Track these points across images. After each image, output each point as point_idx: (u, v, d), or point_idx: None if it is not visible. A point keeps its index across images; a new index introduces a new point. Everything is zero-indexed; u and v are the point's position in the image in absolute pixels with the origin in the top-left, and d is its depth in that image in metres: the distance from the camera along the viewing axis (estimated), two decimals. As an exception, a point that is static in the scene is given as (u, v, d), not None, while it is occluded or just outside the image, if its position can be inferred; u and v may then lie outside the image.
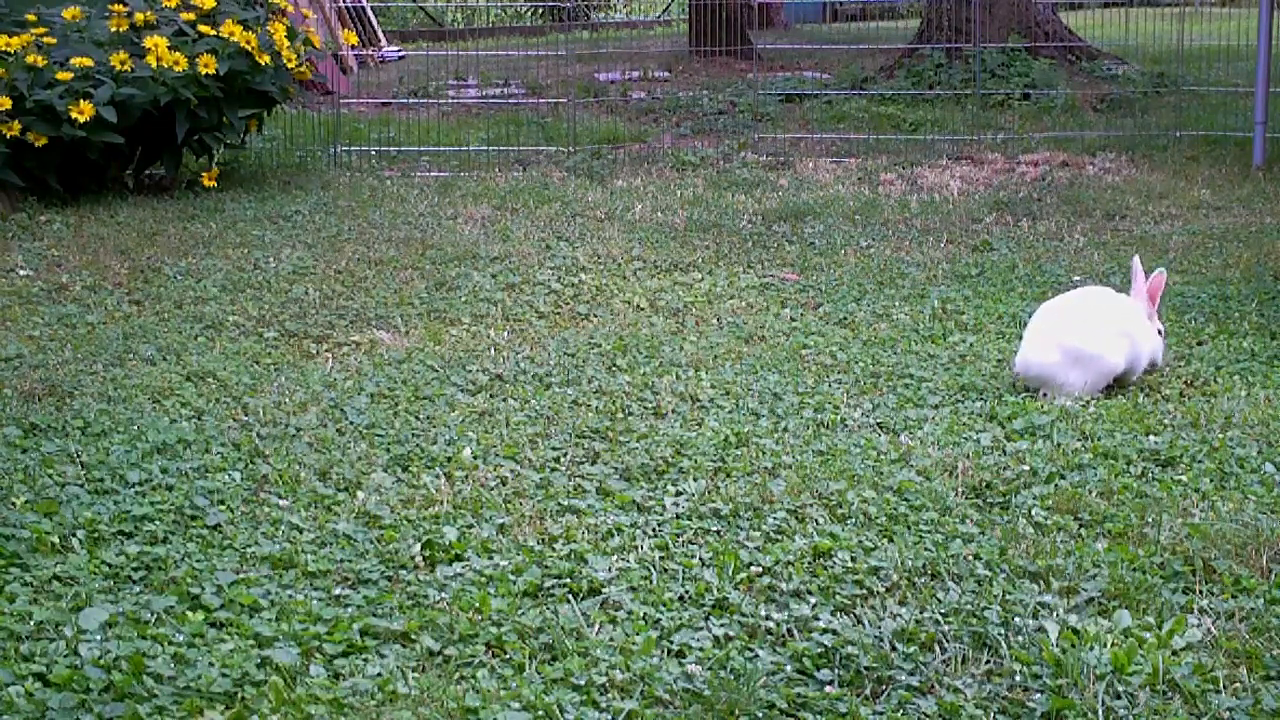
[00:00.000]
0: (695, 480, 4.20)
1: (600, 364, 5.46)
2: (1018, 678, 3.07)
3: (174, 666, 3.07)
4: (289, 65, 9.10)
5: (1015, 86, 12.40)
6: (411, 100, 12.94)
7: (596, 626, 3.30)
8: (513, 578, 3.52)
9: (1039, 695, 3.00)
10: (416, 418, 4.81)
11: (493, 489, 4.15)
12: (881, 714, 2.96)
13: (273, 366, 5.45)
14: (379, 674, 3.08)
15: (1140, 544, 3.70)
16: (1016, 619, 3.30)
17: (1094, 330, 4.99)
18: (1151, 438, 4.54)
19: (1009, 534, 3.78)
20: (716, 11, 14.73)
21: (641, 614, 3.34)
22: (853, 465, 4.30)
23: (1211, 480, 4.19)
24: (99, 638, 3.18)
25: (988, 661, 3.14)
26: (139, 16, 8.75)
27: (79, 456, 4.36)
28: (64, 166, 8.52)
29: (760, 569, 3.57)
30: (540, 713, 2.93)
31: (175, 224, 7.96)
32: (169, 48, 8.50)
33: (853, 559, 3.62)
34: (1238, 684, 3.05)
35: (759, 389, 5.11)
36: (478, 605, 3.36)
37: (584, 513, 3.97)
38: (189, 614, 3.31)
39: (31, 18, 8.67)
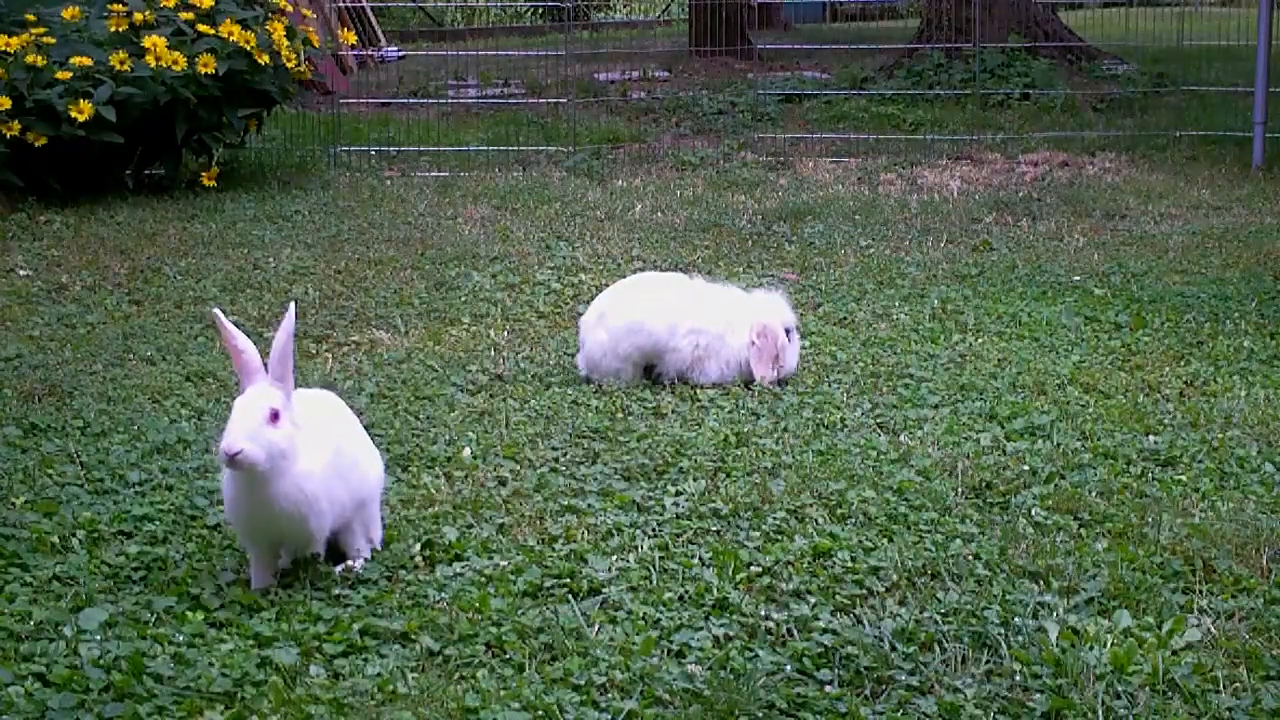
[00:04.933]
0: (695, 480, 4.20)
1: (600, 364, 5.45)
2: (1018, 678, 3.07)
3: (174, 666, 3.07)
4: (288, 65, 9.09)
5: (1015, 86, 12.39)
6: (411, 100, 12.93)
7: (596, 626, 3.30)
8: (513, 578, 3.52)
9: (1039, 695, 3.00)
10: (416, 418, 4.81)
11: (493, 489, 4.15)
12: (881, 714, 2.96)
13: (273, 366, 5.44)
14: (379, 674, 3.08)
15: (1140, 544, 3.70)
16: (1016, 619, 3.30)
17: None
18: (1151, 438, 4.54)
19: (1009, 534, 3.78)
20: (716, 11, 14.72)
21: (641, 614, 3.34)
22: (853, 465, 4.30)
23: (1211, 480, 4.19)
24: (99, 638, 3.19)
25: (988, 661, 3.14)
26: (138, 16, 8.75)
27: (79, 456, 4.36)
28: (64, 166, 8.52)
29: (760, 569, 3.57)
30: (540, 713, 2.93)
31: (175, 224, 7.96)
32: (168, 47, 8.49)
33: (853, 559, 3.62)
34: (1238, 684, 3.05)
35: (759, 389, 5.11)
36: (478, 605, 3.36)
37: (584, 513, 3.97)
38: (189, 614, 3.31)
39: (31, 18, 8.66)
